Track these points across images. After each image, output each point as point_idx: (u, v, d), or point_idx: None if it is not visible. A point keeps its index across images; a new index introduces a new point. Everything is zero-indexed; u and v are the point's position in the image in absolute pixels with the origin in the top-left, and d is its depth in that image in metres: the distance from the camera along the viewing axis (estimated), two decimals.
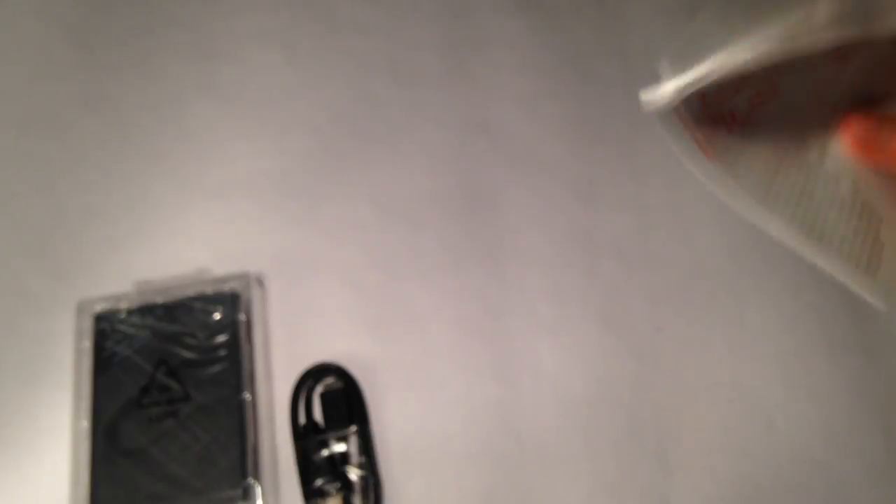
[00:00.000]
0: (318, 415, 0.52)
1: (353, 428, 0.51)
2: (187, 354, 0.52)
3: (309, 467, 0.50)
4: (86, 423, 0.50)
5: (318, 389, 0.53)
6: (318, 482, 0.49)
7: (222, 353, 0.52)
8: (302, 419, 0.52)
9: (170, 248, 0.58)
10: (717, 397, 0.54)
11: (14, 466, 0.51)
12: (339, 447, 0.51)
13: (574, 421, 0.53)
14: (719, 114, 0.38)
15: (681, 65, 0.37)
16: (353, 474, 0.50)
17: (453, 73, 0.64)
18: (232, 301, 0.54)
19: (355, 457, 0.51)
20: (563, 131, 0.62)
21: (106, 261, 0.57)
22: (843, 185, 0.40)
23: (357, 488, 0.50)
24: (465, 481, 0.51)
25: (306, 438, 0.51)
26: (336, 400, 0.52)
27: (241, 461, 0.49)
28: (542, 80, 0.64)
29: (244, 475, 0.49)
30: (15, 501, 0.50)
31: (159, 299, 0.54)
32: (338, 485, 0.49)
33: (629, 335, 0.56)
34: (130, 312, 0.53)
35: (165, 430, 0.50)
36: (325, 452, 0.50)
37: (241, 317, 0.53)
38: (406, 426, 0.53)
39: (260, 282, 0.56)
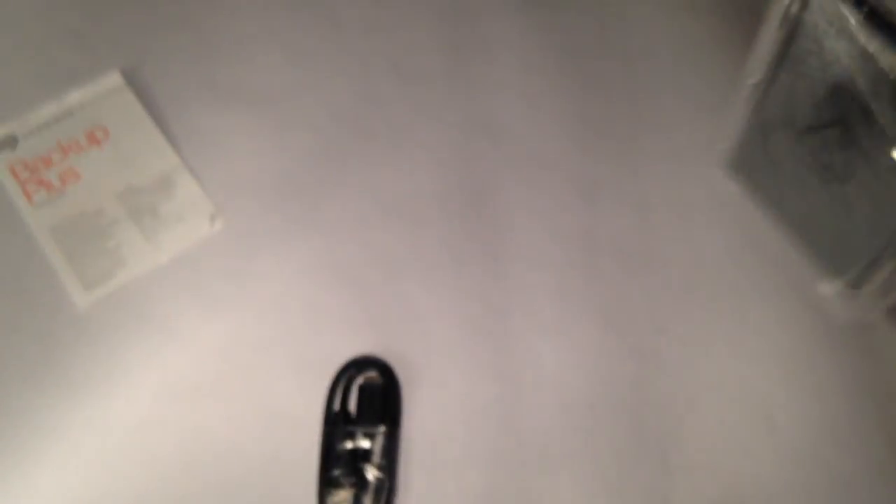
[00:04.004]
0: (352, 406, 0.53)
1: (383, 428, 0.51)
2: None
3: (330, 454, 0.50)
4: None
5: (359, 380, 0.53)
6: (335, 472, 0.50)
7: None
8: (336, 406, 0.52)
9: None
10: (719, 397, 0.55)
11: (14, 466, 0.51)
12: (364, 443, 0.51)
13: (575, 421, 0.53)
14: None
15: None
16: (371, 474, 0.50)
17: (455, 72, 0.63)
18: None
19: (377, 456, 0.51)
20: (565, 131, 0.62)
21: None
22: None
23: (371, 489, 0.50)
24: (465, 481, 0.51)
25: (335, 425, 0.51)
26: (373, 395, 0.53)
27: None
28: (544, 80, 0.63)
29: None
30: (15, 501, 0.50)
31: None
32: (353, 479, 0.50)
33: (630, 335, 0.56)
34: None
35: None
36: (348, 444, 0.50)
37: None
38: (406, 426, 0.53)
39: None
